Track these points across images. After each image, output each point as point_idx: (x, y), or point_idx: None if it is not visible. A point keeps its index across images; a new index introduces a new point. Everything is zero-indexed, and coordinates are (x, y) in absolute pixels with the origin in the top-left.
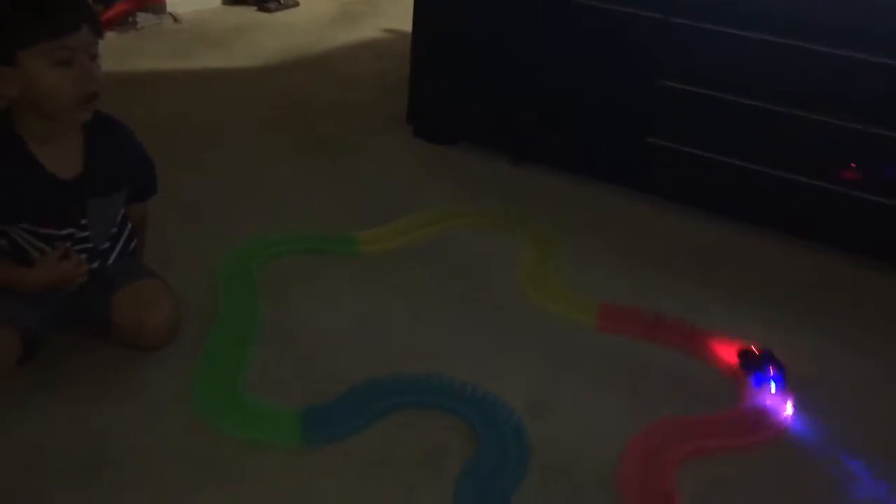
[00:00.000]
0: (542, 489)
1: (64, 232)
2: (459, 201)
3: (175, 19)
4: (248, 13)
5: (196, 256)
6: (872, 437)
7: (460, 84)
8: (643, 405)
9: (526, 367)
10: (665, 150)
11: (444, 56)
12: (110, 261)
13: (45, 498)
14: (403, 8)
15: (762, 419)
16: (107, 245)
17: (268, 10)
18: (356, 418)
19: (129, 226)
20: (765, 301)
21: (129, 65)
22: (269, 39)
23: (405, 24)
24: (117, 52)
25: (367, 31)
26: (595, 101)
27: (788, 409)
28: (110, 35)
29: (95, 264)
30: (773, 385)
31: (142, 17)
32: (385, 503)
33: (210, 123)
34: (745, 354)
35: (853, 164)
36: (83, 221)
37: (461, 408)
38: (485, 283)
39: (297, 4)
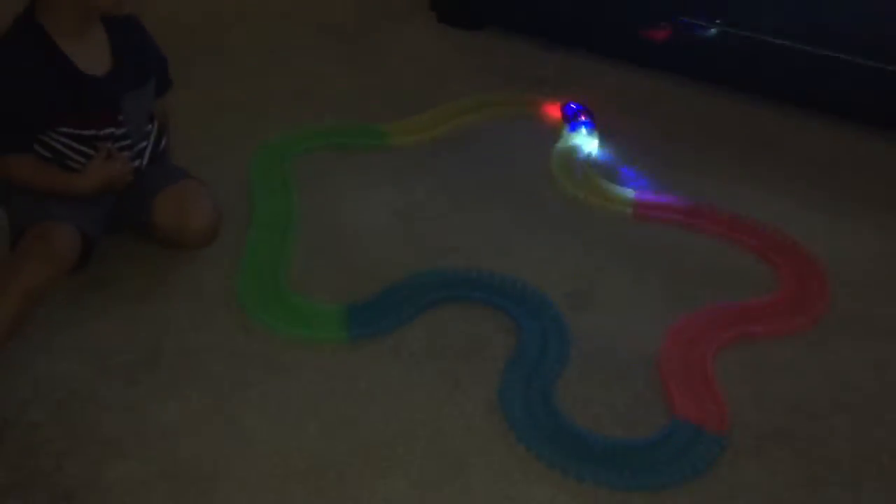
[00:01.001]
0: (583, 376)
1: (104, 132)
2: (489, 89)
3: None
4: None
5: (225, 152)
6: None
7: None
8: (681, 293)
9: (564, 259)
10: (700, 29)
11: None
12: (145, 160)
13: (99, 396)
14: None
15: (799, 305)
16: (143, 144)
17: None
18: (398, 314)
19: (156, 123)
20: (808, 185)
21: None
22: None
23: None
24: None
25: None
26: None
27: None
28: None
29: (136, 163)
30: (584, 129)
31: None
32: (431, 395)
33: (229, 14)
34: (564, 108)
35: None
36: (120, 118)
37: (501, 301)
38: (520, 174)
39: None
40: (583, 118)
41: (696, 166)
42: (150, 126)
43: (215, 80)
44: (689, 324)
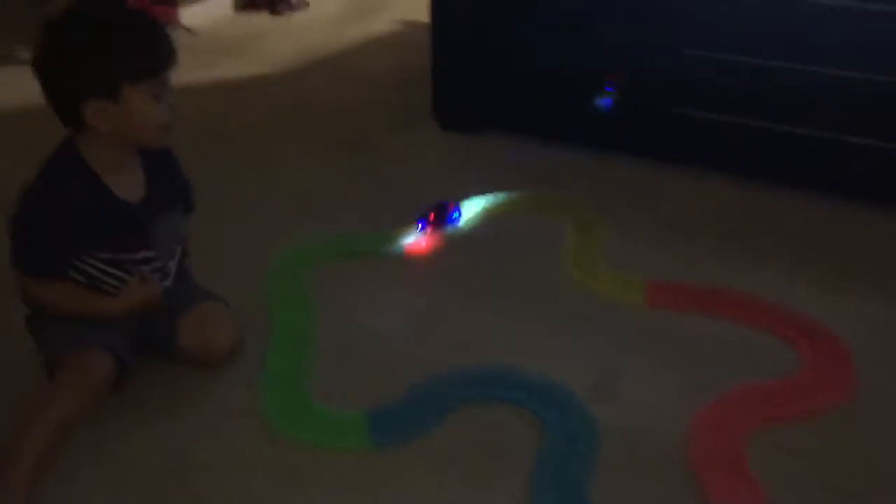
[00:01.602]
0: (615, 473)
1: (139, 256)
2: (495, 189)
3: (190, 31)
4: (261, 19)
5: (241, 268)
6: None
7: (483, 71)
8: (703, 379)
9: (583, 351)
10: (693, 119)
11: (464, 44)
12: (170, 280)
13: None
14: None
15: (825, 383)
16: (170, 264)
17: (279, 14)
18: (422, 418)
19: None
20: (814, 264)
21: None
22: (284, 43)
23: (418, 13)
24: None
25: (381, 24)
26: (622, 75)
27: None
28: None
29: (166, 283)
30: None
31: None
32: (461, 501)
33: (236, 132)
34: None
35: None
36: (151, 242)
37: (525, 398)
38: (531, 270)
39: (307, 5)
40: (432, 217)
41: (708, 253)
42: (176, 247)
43: (223, 196)
44: (715, 410)
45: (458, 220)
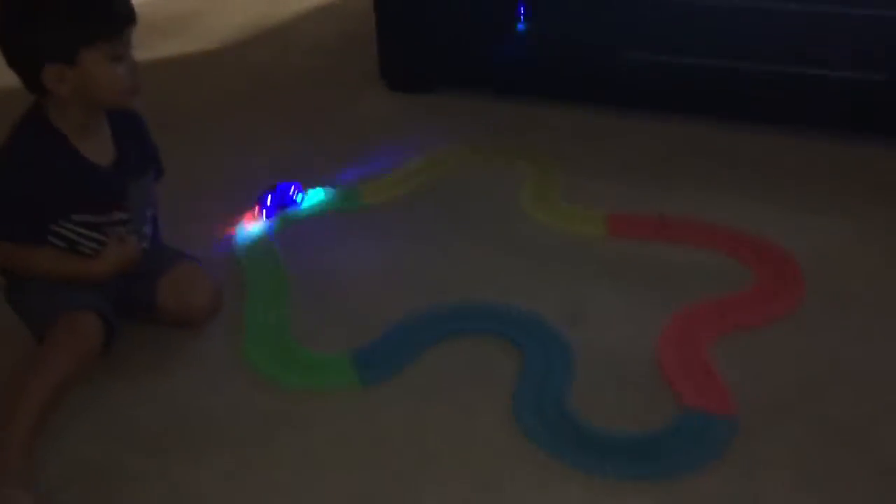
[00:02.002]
0: (591, 386)
1: (115, 217)
2: (449, 143)
3: None
4: None
5: (208, 230)
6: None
7: (427, 31)
8: (666, 298)
9: (551, 283)
10: (640, 62)
11: (407, 5)
12: (147, 242)
13: (130, 471)
14: None
15: (778, 293)
16: (145, 228)
17: None
18: (403, 354)
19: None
20: (764, 190)
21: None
22: (222, 18)
23: None
24: None
25: None
26: (566, 21)
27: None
28: None
29: (143, 244)
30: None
31: None
32: (449, 424)
33: (190, 107)
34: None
35: None
36: (125, 204)
37: (500, 328)
38: (493, 214)
39: None
40: (269, 200)
41: (661, 186)
42: (150, 210)
43: (187, 166)
44: (680, 322)
45: (300, 203)
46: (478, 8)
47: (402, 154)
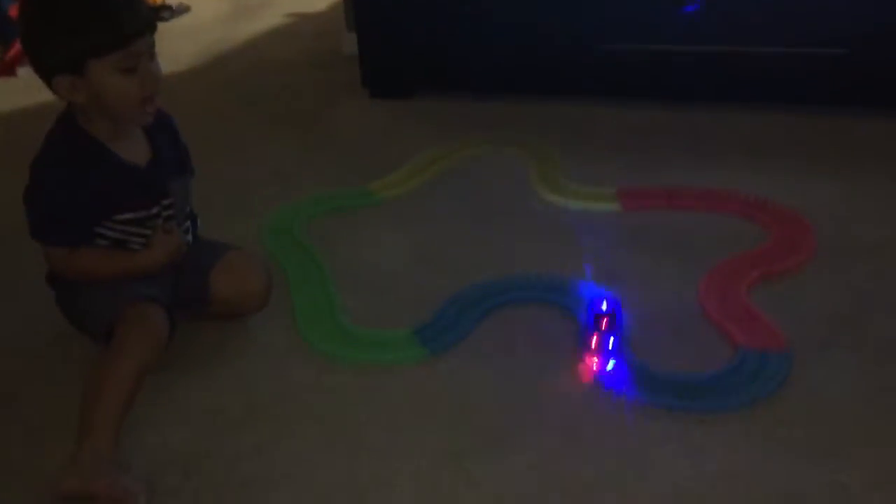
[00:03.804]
0: (645, 338)
1: (155, 210)
2: (444, 141)
3: None
4: None
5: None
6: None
7: (407, 36)
8: (694, 259)
9: (581, 256)
10: (620, 53)
11: (387, 12)
12: (189, 237)
13: (219, 451)
14: None
15: (794, 247)
16: (187, 224)
17: (163, 20)
18: (463, 324)
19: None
20: (766, 159)
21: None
22: (181, 45)
23: (301, 6)
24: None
25: (270, 19)
26: (545, 19)
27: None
28: (23, 71)
29: (187, 238)
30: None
31: None
32: (524, 384)
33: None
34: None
35: None
36: (165, 202)
37: (548, 295)
38: (509, 199)
39: (188, 9)
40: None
41: (664, 164)
42: (188, 207)
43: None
44: (715, 278)
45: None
46: (455, 11)
47: (399, 154)
